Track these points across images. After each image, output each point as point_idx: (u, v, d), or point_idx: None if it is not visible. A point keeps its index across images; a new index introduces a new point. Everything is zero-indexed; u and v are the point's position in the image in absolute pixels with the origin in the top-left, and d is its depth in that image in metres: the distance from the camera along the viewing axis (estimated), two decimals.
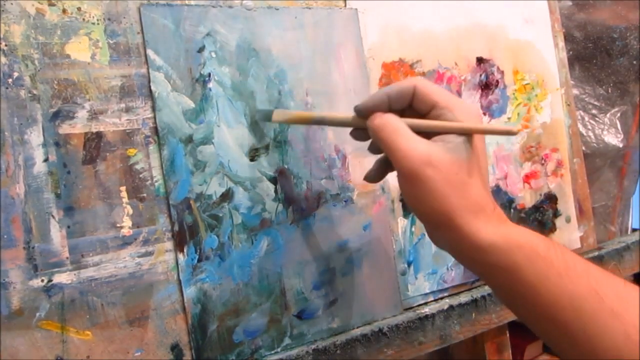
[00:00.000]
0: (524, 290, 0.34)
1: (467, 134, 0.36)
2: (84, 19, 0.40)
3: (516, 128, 0.37)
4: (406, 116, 0.37)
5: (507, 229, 0.35)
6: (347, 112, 0.41)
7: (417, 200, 0.35)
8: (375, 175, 0.42)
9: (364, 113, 0.38)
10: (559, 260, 0.34)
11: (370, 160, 0.44)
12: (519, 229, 0.36)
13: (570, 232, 0.66)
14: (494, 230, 0.34)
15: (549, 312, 0.33)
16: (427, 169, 0.34)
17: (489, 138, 0.60)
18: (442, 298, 0.55)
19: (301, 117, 0.42)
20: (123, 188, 0.40)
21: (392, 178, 0.53)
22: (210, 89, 0.44)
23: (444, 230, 0.35)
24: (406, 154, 0.34)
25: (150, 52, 0.42)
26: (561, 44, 0.68)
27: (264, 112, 0.45)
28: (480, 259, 0.35)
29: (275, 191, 0.46)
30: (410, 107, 0.38)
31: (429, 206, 0.35)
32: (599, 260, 0.66)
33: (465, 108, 0.37)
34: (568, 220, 0.66)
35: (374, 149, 0.42)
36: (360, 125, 0.39)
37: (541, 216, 0.63)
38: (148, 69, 0.41)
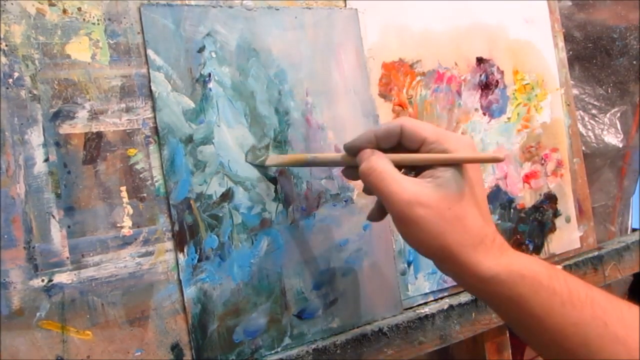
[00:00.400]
0: (529, 320, 0.34)
1: (455, 165, 0.36)
2: (84, 19, 0.40)
3: (502, 155, 0.37)
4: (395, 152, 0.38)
5: (508, 259, 0.35)
6: (336, 153, 0.42)
7: (413, 240, 0.36)
8: (377, 214, 0.43)
9: (352, 151, 0.39)
10: (562, 289, 0.34)
11: None
12: (520, 257, 0.36)
13: (570, 232, 0.66)
14: (495, 261, 0.35)
15: (555, 339, 0.34)
16: (417, 209, 0.34)
17: (488, 137, 0.60)
18: (442, 298, 0.55)
19: (294, 159, 0.44)
20: (123, 188, 0.40)
21: None
22: (210, 89, 0.44)
23: (446, 264, 0.36)
24: (395, 197, 0.35)
25: (150, 52, 0.42)
26: (561, 44, 0.68)
27: (258, 159, 0.45)
28: (484, 290, 0.35)
29: (275, 191, 0.46)
30: (399, 145, 0.38)
31: (426, 244, 0.35)
32: (598, 260, 0.66)
33: (456, 140, 0.37)
34: (568, 220, 0.66)
35: (367, 190, 0.42)
36: (351, 164, 0.40)
37: (541, 216, 0.63)
38: (148, 69, 0.41)
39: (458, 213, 0.35)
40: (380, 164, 0.36)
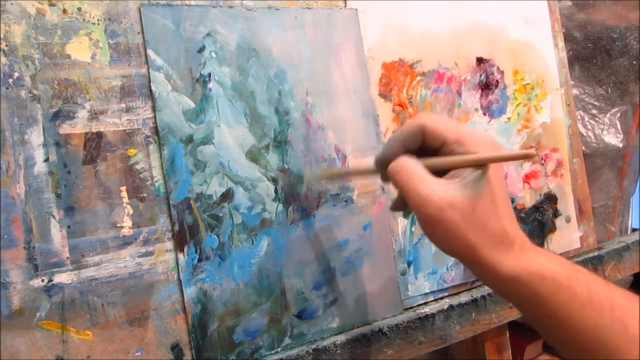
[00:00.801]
0: (549, 320, 0.35)
1: (483, 165, 0.36)
2: (84, 19, 0.40)
3: (533, 152, 0.37)
4: (420, 153, 0.38)
5: (528, 260, 0.35)
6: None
7: (439, 240, 0.36)
8: (401, 204, 0.43)
9: (383, 162, 0.39)
10: (582, 290, 0.34)
11: (369, 161, 0.44)
12: (540, 255, 0.36)
13: (570, 232, 0.66)
14: (515, 262, 0.35)
15: (575, 340, 0.34)
16: (445, 213, 0.35)
17: None
18: (442, 298, 0.55)
19: (341, 172, 0.49)
20: (123, 188, 0.40)
21: None
22: (210, 89, 0.44)
23: (470, 264, 0.37)
24: (424, 199, 0.35)
25: (150, 52, 0.42)
26: (561, 44, 0.68)
27: (311, 177, 0.49)
28: (506, 290, 0.36)
29: (275, 191, 0.46)
30: (423, 146, 0.39)
31: (450, 245, 0.36)
32: (598, 260, 0.66)
33: (478, 138, 0.37)
34: (568, 220, 0.66)
35: (395, 207, 0.43)
36: (383, 174, 0.40)
37: (541, 216, 0.63)
38: (148, 69, 0.41)
39: (481, 214, 0.35)
40: (409, 164, 0.37)
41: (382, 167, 0.39)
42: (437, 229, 0.35)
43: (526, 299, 0.35)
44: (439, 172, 0.37)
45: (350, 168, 0.45)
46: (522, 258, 0.35)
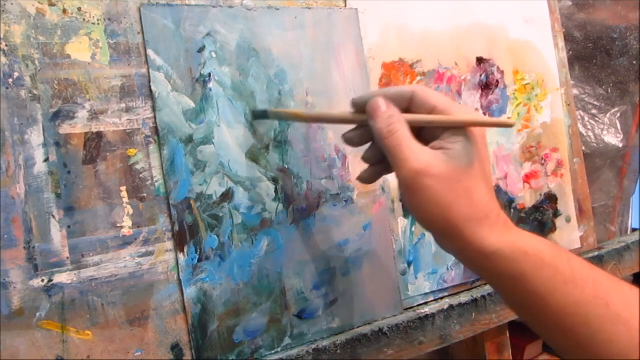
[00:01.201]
0: (530, 298, 0.34)
1: (464, 136, 0.36)
2: (84, 19, 0.40)
3: (512, 121, 0.37)
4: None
5: (512, 236, 0.35)
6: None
7: (419, 210, 0.35)
8: (369, 176, 0.42)
9: (361, 106, 0.38)
10: (565, 267, 0.34)
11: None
12: (524, 235, 0.36)
13: (570, 232, 0.66)
14: (499, 237, 0.34)
15: (556, 318, 0.33)
16: (426, 179, 0.34)
17: (488, 137, 0.60)
18: (442, 298, 0.55)
19: (292, 113, 0.44)
20: (123, 188, 0.40)
21: (392, 178, 0.53)
22: (210, 89, 0.44)
23: (449, 239, 0.35)
24: (407, 164, 0.34)
25: (150, 52, 0.42)
26: (561, 44, 0.68)
27: (258, 111, 0.46)
28: (486, 267, 0.35)
29: (275, 191, 0.46)
30: (407, 111, 0.38)
31: (431, 216, 0.35)
32: (598, 260, 0.66)
33: (466, 111, 0.37)
34: (568, 220, 0.66)
35: (369, 157, 0.41)
36: (359, 120, 0.39)
37: (541, 216, 0.63)
38: (148, 69, 0.41)
39: (467, 186, 0.35)
40: (400, 127, 0.36)
41: (357, 113, 0.38)
42: (417, 196, 0.34)
43: (509, 276, 0.34)
44: (423, 142, 0.36)
45: (319, 112, 0.43)
46: (506, 235, 0.35)
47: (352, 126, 0.40)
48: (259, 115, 0.46)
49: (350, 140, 0.41)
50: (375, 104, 0.37)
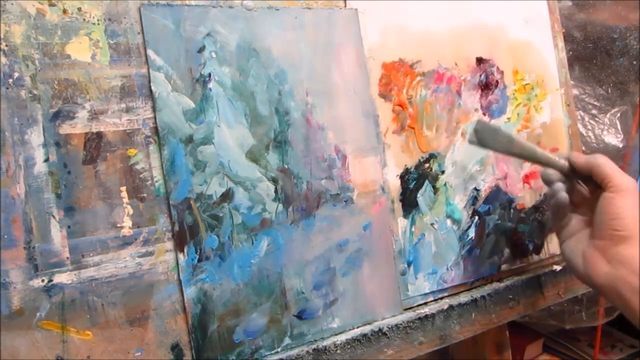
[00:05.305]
0: None
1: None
2: (84, 19, 0.40)
3: None
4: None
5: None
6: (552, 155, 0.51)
7: (620, 207, 0.46)
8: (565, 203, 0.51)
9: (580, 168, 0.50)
10: None
11: (369, 161, 0.49)
12: None
13: None
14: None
15: None
16: (634, 186, 0.47)
17: None
18: (442, 298, 0.55)
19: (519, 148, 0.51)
20: (123, 188, 0.40)
21: (391, 178, 0.53)
22: (210, 89, 0.44)
23: (627, 242, 0.46)
24: (623, 175, 0.47)
25: (150, 52, 0.42)
26: (561, 44, 0.68)
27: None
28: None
29: (275, 191, 0.46)
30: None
31: (626, 213, 0.46)
32: None
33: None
34: None
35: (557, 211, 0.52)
36: (561, 170, 0.50)
37: (541, 216, 0.63)
38: (148, 69, 0.41)
39: None
40: (609, 161, 0.50)
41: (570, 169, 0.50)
42: (627, 196, 0.46)
43: None
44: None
45: (539, 152, 0.51)
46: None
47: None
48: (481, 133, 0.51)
49: (546, 178, 0.52)
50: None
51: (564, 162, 0.50)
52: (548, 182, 0.51)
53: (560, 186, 0.50)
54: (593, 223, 0.49)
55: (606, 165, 0.48)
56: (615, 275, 0.45)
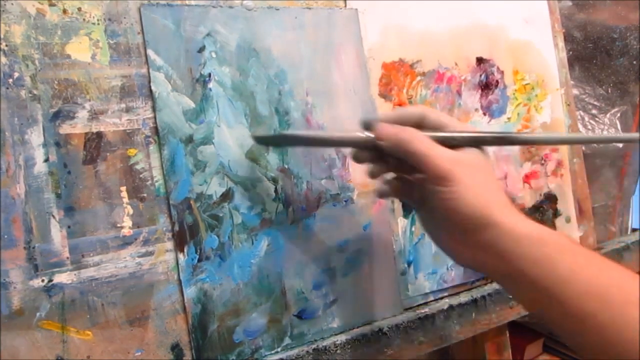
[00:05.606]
0: (553, 283, 0.34)
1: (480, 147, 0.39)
2: (84, 19, 0.40)
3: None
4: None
5: (533, 224, 0.36)
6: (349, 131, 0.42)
7: (452, 201, 0.36)
8: (364, 157, 0.42)
9: (369, 125, 0.40)
10: (584, 253, 0.35)
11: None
12: (539, 224, 0.37)
13: (570, 232, 0.66)
14: (524, 223, 0.36)
15: (578, 304, 0.33)
16: (459, 168, 0.36)
17: None
18: (442, 298, 0.55)
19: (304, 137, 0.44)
20: (123, 188, 0.40)
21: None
22: (210, 89, 0.44)
23: (484, 229, 0.36)
24: (437, 158, 0.36)
25: (150, 52, 0.42)
26: (561, 44, 0.68)
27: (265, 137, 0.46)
28: (515, 253, 0.35)
29: (275, 191, 0.46)
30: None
31: (467, 205, 0.36)
32: None
33: (471, 128, 0.41)
34: (568, 220, 0.66)
35: (375, 172, 0.42)
36: (365, 141, 0.39)
37: (541, 216, 0.63)
38: (148, 69, 0.41)
39: (490, 178, 0.38)
40: (419, 134, 0.38)
41: (364, 134, 0.39)
42: (451, 186, 0.36)
43: (534, 261, 0.35)
44: None
45: (319, 133, 0.45)
46: (527, 221, 0.36)
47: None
48: (261, 141, 0.45)
49: (360, 157, 0.41)
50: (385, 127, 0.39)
51: (368, 135, 0.39)
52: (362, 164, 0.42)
53: (373, 171, 0.41)
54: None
55: (413, 142, 0.37)
56: (483, 262, 0.37)
